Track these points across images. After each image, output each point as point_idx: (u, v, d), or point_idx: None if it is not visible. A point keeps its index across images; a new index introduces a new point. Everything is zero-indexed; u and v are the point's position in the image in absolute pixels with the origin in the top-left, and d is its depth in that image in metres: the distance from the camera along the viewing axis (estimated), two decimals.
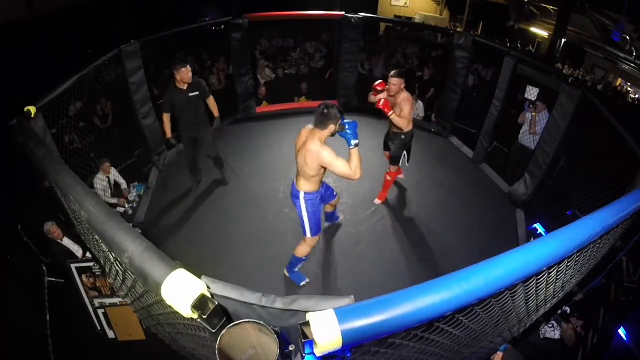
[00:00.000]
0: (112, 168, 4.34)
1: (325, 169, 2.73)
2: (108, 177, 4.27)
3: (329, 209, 3.69)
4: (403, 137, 3.94)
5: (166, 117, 3.90)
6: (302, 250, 3.14)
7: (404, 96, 3.67)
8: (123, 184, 4.45)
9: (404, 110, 3.65)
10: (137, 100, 4.34)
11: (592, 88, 8.19)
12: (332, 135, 2.72)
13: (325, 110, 2.63)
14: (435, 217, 4.15)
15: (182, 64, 3.69)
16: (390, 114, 3.58)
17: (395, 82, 3.60)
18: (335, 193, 3.41)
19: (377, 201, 4.29)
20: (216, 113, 4.08)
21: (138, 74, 4.27)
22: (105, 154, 4.49)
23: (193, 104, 3.87)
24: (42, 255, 3.57)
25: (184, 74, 3.68)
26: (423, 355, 1.38)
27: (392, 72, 3.65)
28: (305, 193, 2.84)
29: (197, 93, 3.85)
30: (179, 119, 3.94)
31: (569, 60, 9.62)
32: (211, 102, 4.02)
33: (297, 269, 3.30)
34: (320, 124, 2.65)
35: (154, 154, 4.75)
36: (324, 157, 2.62)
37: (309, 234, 3.01)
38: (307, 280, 3.34)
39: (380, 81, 3.85)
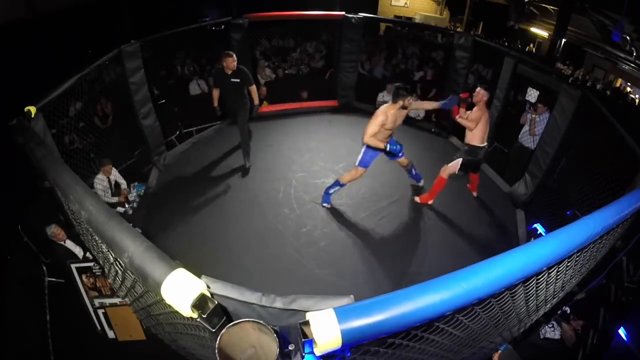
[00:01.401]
0: (113, 169, 4.34)
1: (383, 129, 3.62)
2: (108, 178, 4.27)
3: (403, 163, 4.23)
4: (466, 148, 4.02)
5: (215, 91, 4.60)
6: (346, 177, 3.99)
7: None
8: (123, 183, 4.45)
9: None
10: (137, 100, 4.34)
11: (592, 88, 8.19)
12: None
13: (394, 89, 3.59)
14: (435, 217, 4.15)
15: (229, 53, 4.32)
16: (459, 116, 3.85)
17: (479, 93, 3.80)
18: (401, 154, 3.86)
19: (417, 199, 4.35)
20: (255, 100, 4.63)
21: (138, 74, 4.27)
22: (106, 154, 4.48)
23: (234, 88, 4.44)
24: (42, 255, 3.57)
25: (229, 62, 4.29)
26: (423, 355, 1.38)
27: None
28: (366, 144, 3.71)
29: (238, 80, 4.38)
30: (224, 96, 4.59)
31: (569, 60, 9.62)
32: (253, 90, 4.56)
33: (332, 192, 4.10)
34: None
35: (154, 154, 4.75)
36: (372, 118, 3.59)
37: (357, 163, 3.87)
38: (330, 205, 4.13)
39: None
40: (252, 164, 4.76)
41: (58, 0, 7.16)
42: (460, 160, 3.98)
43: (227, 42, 5.45)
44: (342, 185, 4.05)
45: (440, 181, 4.12)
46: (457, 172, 4.08)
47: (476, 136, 3.85)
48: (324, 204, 4.15)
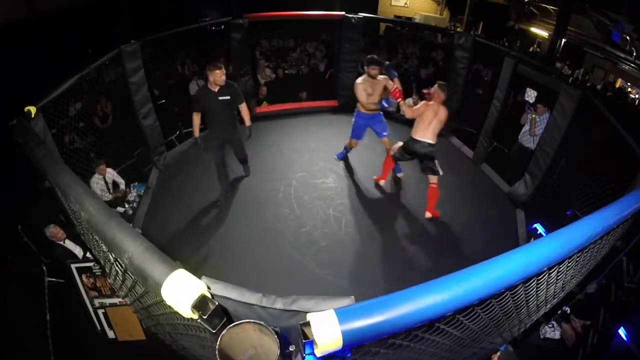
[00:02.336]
0: (109, 169, 4.32)
1: (368, 96, 4.12)
2: (104, 178, 4.25)
3: (387, 145, 4.44)
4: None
5: (196, 117, 3.79)
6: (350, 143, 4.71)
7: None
8: (122, 183, 4.44)
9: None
10: (137, 100, 4.34)
11: (592, 88, 8.19)
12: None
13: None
14: (435, 217, 4.15)
15: (217, 65, 3.60)
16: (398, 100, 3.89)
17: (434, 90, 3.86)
18: (385, 133, 4.45)
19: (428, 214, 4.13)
20: (247, 122, 3.98)
21: (138, 74, 4.27)
22: (105, 154, 4.48)
23: (223, 107, 3.73)
24: (42, 255, 3.57)
25: (217, 76, 3.59)
26: (423, 355, 1.38)
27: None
28: (357, 109, 4.37)
29: (227, 97, 3.71)
30: (208, 119, 3.85)
31: (569, 60, 9.62)
32: (244, 109, 3.91)
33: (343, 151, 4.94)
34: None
35: (154, 154, 4.75)
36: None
37: (350, 136, 4.57)
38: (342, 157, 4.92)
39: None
40: (252, 164, 4.75)
41: (58, 0, 7.16)
42: (400, 143, 4.17)
43: (227, 42, 5.45)
44: (348, 150, 4.89)
45: (388, 159, 4.42)
46: (397, 154, 4.23)
47: (416, 129, 3.89)
48: (335, 154, 5.01)
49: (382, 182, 4.56)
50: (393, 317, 0.89)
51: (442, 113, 3.79)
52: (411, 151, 3.98)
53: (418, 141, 3.87)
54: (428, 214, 4.10)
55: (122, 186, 4.44)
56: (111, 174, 4.34)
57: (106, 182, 4.28)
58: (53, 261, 3.49)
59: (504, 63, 4.53)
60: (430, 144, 3.85)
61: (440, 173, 3.93)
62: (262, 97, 6.46)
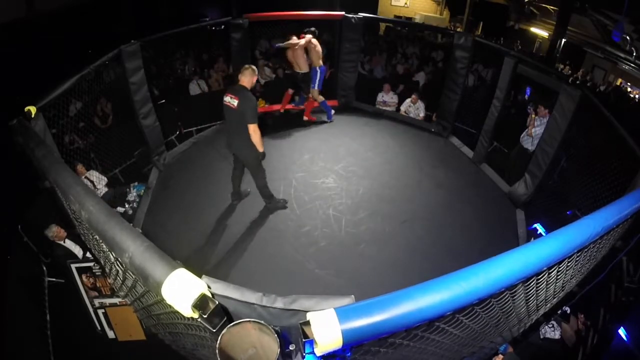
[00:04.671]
0: (93, 170, 4.25)
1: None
2: (86, 178, 4.15)
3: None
4: None
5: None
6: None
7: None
8: (100, 180, 4.34)
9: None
10: (137, 100, 4.33)
11: (592, 88, 8.19)
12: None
13: None
14: (435, 217, 4.15)
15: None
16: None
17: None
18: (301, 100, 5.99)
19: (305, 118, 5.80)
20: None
21: (138, 74, 4.26)
22: (105, 154, 4.48)
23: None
24: (42, 255, 3.57)
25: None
26: (423, 354, 1.38)
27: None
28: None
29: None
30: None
31: (569, 60, 9.62)
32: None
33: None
34: None
35: (154, 154, 4.75)
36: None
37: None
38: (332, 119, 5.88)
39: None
40: None
41: (58, 0, 7.17)
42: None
43: (227, 42, 5.46)
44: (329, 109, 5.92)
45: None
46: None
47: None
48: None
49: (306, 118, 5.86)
50: (393, 316, 0.89)
51: (298, 52, 5.29)
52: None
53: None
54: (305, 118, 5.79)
55: (96, 183, 4.30)
56: (90, 175, 4.22)
57: (92, 182, 4.22)
58: (53, 261, 3.49)
59: (504, 63, 4.53)
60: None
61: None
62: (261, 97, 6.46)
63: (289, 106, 6.08)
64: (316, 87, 5.53)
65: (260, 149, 3.54)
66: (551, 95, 4.17)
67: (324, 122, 5.92)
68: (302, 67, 5.41)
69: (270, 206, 4.06)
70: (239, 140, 3.53)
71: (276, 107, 6.23)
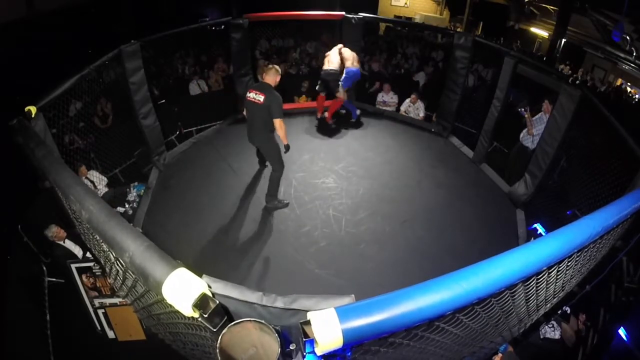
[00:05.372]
0: (93, 170, 4.25)
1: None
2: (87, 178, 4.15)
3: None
4: None
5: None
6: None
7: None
8: (103, 181, 4.36)
9: None
10: (137, 100, 4.33)
11: (591, 88, 8.19)
12: None
13: None
14: (435, 217, 4.15)
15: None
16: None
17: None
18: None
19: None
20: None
21: (138, 74, 4.26)
22: (105, 154, 4.47)
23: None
24: (42, 255, 3.57)
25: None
26: (423, 354, 1.38)
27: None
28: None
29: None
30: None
31: (569, 60, 9.62)
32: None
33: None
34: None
35: (154, 154, 4.75)
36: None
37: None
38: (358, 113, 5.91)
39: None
40: (252, 163, 4.75)
41: (58, 0, 7.17)
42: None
43: (227, 42, 5.45)
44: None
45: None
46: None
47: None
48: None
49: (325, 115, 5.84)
50: (393, 315, 0.89)
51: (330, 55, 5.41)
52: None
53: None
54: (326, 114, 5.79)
55: (97, 184, 4.31)
56: (92, 175, 4.23)
57: (92, 182, 4.23)
58: (53, 261, 3.49)
59: (504, 63, 4.53)
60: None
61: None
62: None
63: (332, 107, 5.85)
64: (346, 87, 5.47)
65: (285, 142, 3.79)
66: (543, 96, 4.17)
67: (326, 122, 5.92)
68: (335, 66, 5.32)
69: (269, 206, 4.10)
70: (261, 133, 3.75)
71: (312, 104, 6.21)
